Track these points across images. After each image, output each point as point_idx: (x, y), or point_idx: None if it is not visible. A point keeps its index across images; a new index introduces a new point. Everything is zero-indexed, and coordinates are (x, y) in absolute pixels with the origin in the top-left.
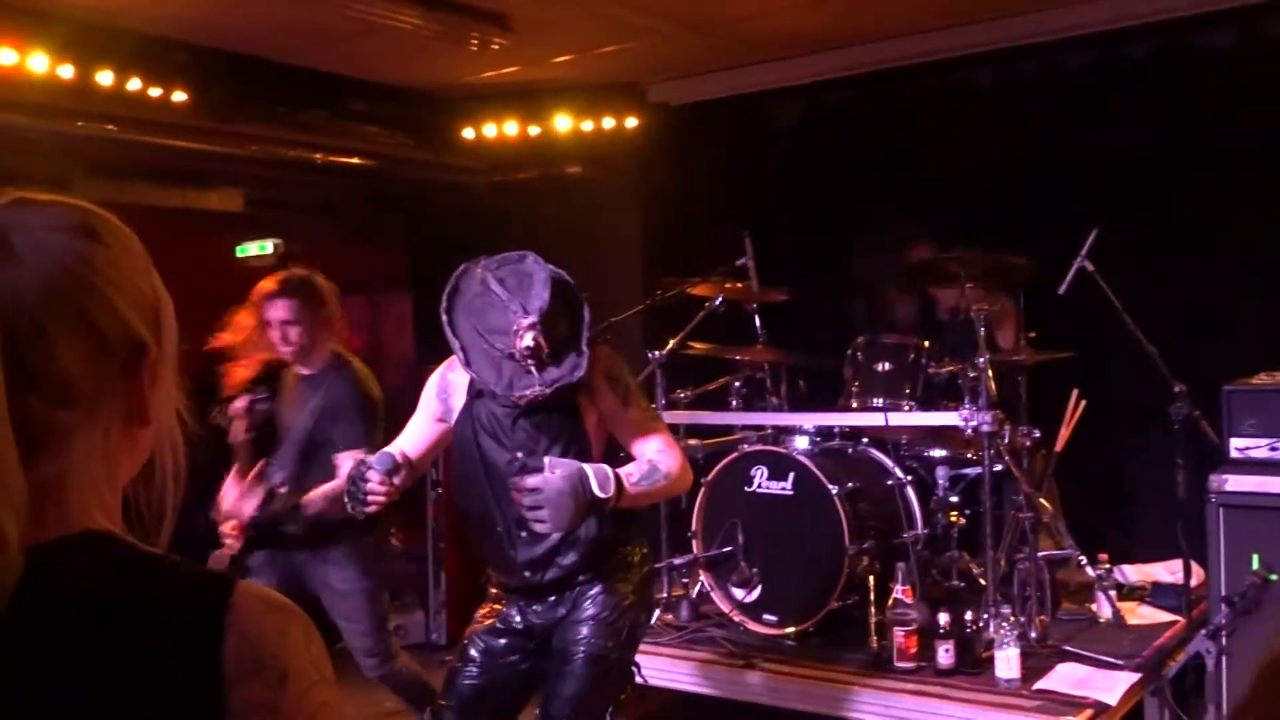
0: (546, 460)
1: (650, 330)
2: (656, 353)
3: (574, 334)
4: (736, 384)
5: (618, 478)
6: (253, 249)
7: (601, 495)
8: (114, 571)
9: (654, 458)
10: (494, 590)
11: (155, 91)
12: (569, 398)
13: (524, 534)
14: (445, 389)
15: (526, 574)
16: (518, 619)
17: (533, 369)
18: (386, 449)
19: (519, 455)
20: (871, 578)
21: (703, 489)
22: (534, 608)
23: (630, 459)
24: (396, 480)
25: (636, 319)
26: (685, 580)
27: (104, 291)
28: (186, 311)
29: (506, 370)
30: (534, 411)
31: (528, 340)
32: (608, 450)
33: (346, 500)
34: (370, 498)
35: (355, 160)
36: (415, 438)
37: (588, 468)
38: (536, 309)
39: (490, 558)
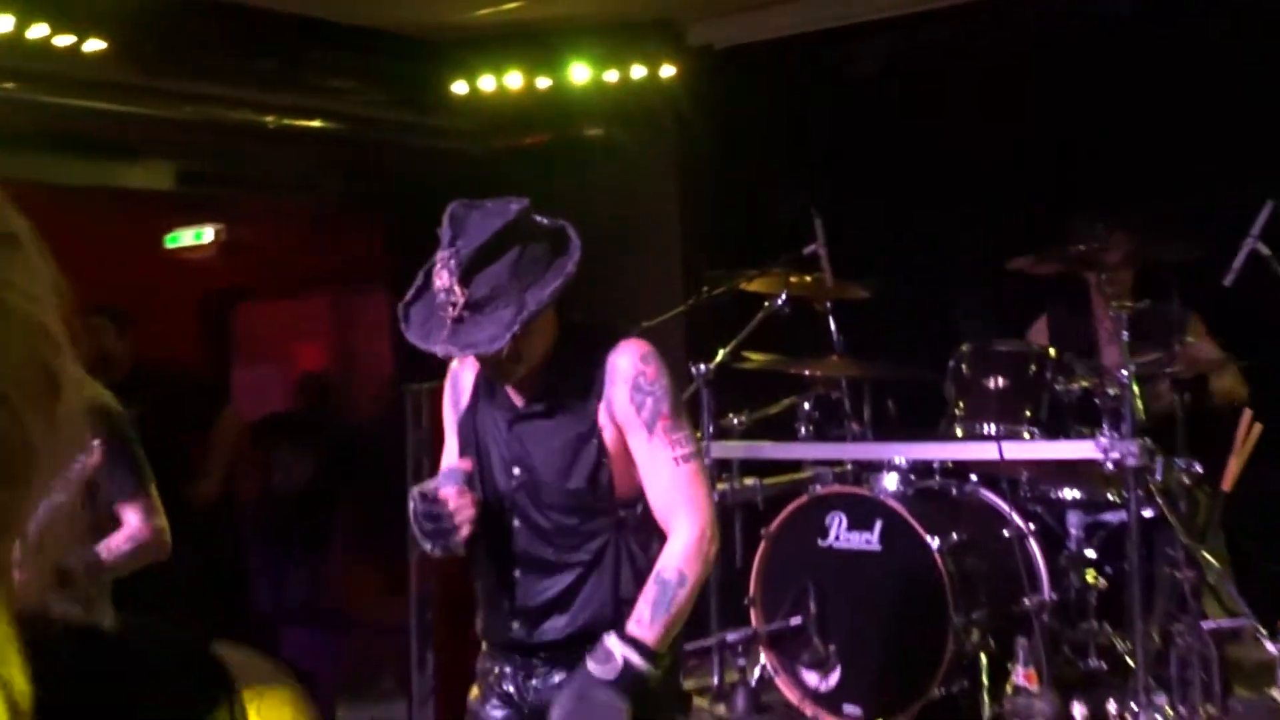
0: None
1: (694, 337)
2: (702, 366)
3: (521, 289)
4: (806, 406)
5: (628, 639)
6: (187, 237)
7: (616, 676)
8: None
9: (667, 562)
10: (485, 650)
11: (64, 40)
12: (578, 401)
13: (518, 572)
14: (455, 389)
15: (515, 626)
16: (511, 689)
17: (448, 321)
18: (446, 468)
19: (516, 472)
20: (984, 657)
21: (763, 543)
22: (531, 682)
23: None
24: (476, 493)
25: (676, 323)
26: (742, 662)
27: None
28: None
29: (434, 320)
30: (533, 416)
31: (440, 280)
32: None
33: (427, 542)
34: (460, 519)
35: (317, 123)
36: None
37: (588, 663)
38: (462, 244)
39: (484, 602)
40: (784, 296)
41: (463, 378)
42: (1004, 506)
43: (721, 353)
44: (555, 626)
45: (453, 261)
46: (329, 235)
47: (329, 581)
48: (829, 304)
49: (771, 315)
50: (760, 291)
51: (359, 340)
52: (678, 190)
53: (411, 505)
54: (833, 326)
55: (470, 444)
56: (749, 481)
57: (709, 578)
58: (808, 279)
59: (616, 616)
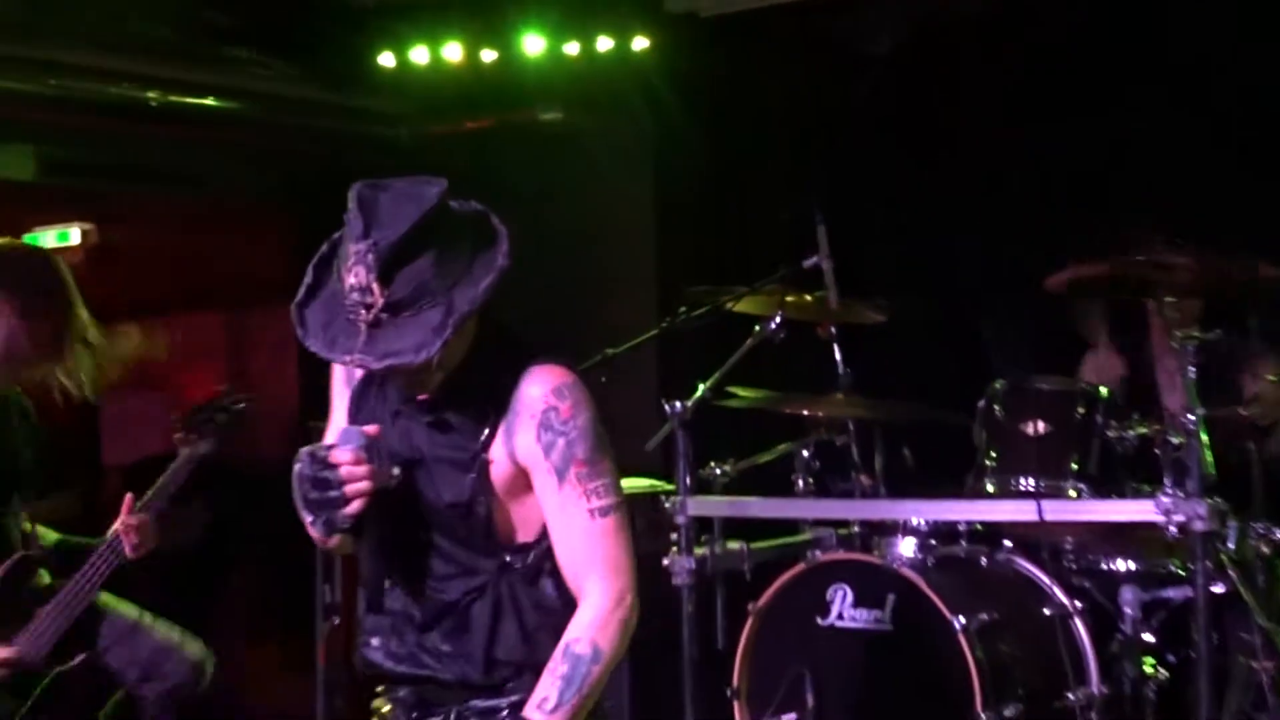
0: None
1: (669, 368)
2: (677, 404)
3: (448, 287)
4: (804, 454)
5: None
6: (49, 239)
7: None
8: None
9: (578, 633)
10: (377, 696)
11: None
12: (470, 422)
13: (388, 584)
14: (349, 372)
15: (378, 656)
16: None
17: (361, 326)
18: (344, 429)
19: (395, 470)
20: None
21: (750, 621)
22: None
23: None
24: (377, 464)
25: (647, 350)
26: None
27: None
28: None
29: (338, 321)
30: (416, 418)
31: (352, 277)
32: None
33: (308, 514)
34: (351, 489)
35: (211, 102)
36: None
37: None
38: (378, 234)
39: (363, 607)
40: (779, 319)
41: None
42: (1044, 579)
43: (702, 387)
44: (427, 662)
45: (370, 256)
46: (224, 239)
47: (219, 662)
48: (833, 329)
49: (763, 342)
50: (750, 313)
51: (259, 366)
52: (652, 188)
53: (297, 468)
54: (838, 356)
55: (361, 418)
56: (734, 546)
57: (624, 655)
58: (808, 298)
59: (486, 678)
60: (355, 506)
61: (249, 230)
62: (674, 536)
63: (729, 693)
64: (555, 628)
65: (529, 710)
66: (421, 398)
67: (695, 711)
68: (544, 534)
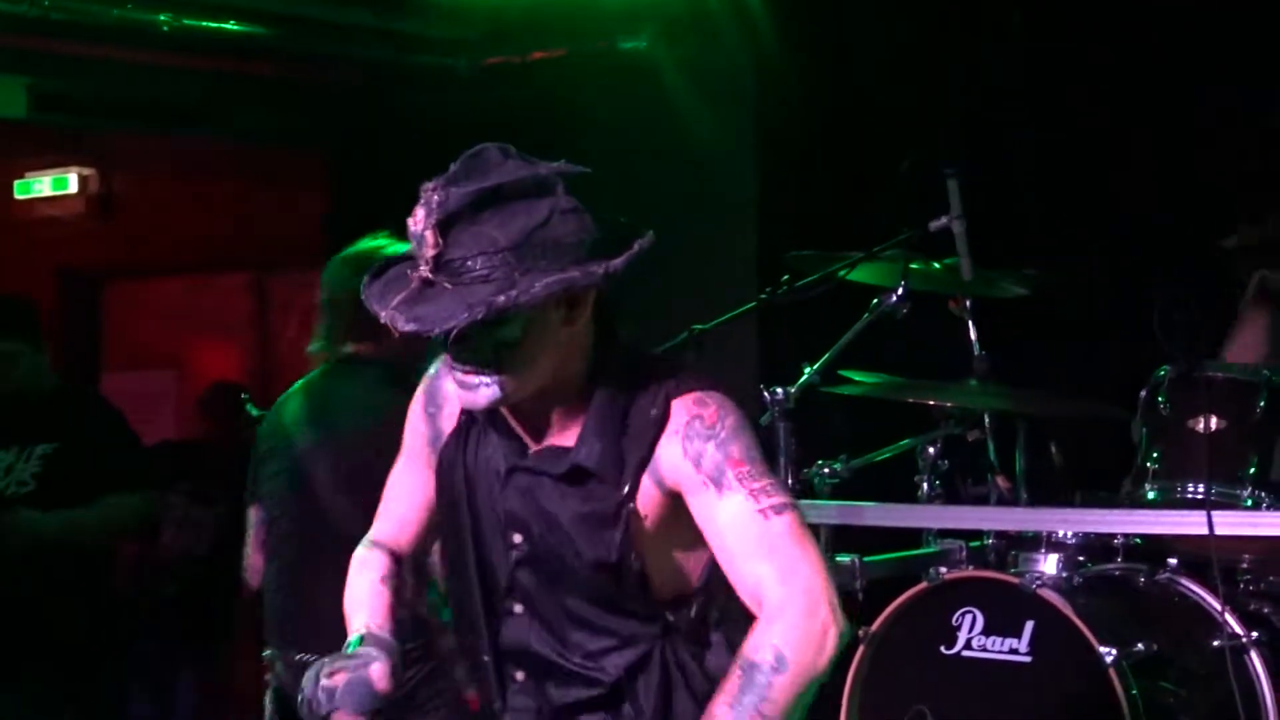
0: None
1: (770, 348)
2: (779, 391)
3: (520, 268)
4: (930, 452)
5: None
6: (43, 184)
7: None
8: None
9: (758, 640)
10: None
11: None
12: (613, 462)
13: (519, 675)
14: (435, 399)
15: None
16: None
17: (415, 281)
18: (364, 633)
19: (515, 539)
20: None
21: (862, 649)
22: None
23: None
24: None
25: (744, 327)
26: None
27: None
28: None
29: (400, 280)
30: (543, 472)
31: (413, 220)
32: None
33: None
34: None
35: (233, 26)
36: (405, 506)
37: None
38: (464, 184)
39: (481, 695)
40: (901, 291)
41: (448, 389)
42: (1214, 604)
43: (809, 371)
44: None
45: (436, 197)
46: (247, 189)
47: (233, 691)
48: (967, 304)
49: (882, 318)
50: (867, 283)
51: (289, 338)
52: (750, 134)
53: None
54: (973, 336)
55: (451, 488)
56: (844, 559)
57: (824, 679)
58: (936, 266)
59: None
60: None
61: (277, 180)
62: None
63: None
64: None
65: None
66: (543, 446)
67: None
68: (709, 580)
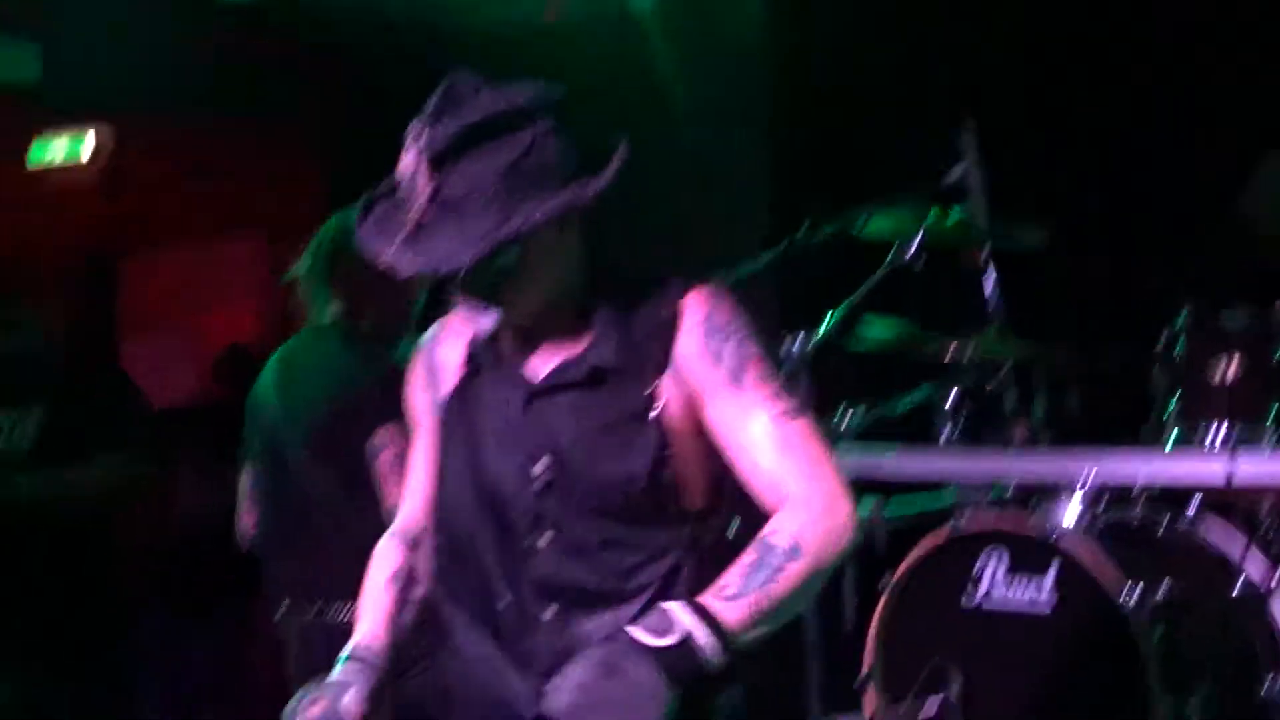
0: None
1: (789, 300)
2: (798, 342)
3: (514, 198)
4: (949, 399)
5: (699, 608)
6: (57, 149)
7: (666, 649)
8: None
9: (778, 526)
10: None
11: None
12: (630, 366)
13: (549, 613)
14: (431, 371)
15: (539, 692)
16: None
17: (409, 223)
18: (350, 652)
19: (537, 469)
20: None
21: (884, 598)
22: None
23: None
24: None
25: (762, 279)
26: None
27: None
28: None
29: (396, 221)
30: (561, 388)
31: (402, 162)
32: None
33: None
34: None
35: None
36: (425, 480)
37: (630, 631)
38: (449, 120)
39: (486, 664)
40: (918, 242)
41: (443, 356)
42: (1235, 550)
43: (827, 322)
44: None
45: (425, 137)
46: (259, 152)
47: (254, 656)
48: (984, 254)
49: (900, 270)
50: (884, 236)
51: (300, 304)
52: (765, 84)
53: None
54: (989, 287)
55: (456, 438)
56: (864, 509)
57: (833, 571)
58: (953, 217)
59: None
60: None
61: (289, 146)
62: None
63: (859, 681)
64: None
65: (705, 595)
66: (554, 365)
67: (820, 703)
68: (733, 487)
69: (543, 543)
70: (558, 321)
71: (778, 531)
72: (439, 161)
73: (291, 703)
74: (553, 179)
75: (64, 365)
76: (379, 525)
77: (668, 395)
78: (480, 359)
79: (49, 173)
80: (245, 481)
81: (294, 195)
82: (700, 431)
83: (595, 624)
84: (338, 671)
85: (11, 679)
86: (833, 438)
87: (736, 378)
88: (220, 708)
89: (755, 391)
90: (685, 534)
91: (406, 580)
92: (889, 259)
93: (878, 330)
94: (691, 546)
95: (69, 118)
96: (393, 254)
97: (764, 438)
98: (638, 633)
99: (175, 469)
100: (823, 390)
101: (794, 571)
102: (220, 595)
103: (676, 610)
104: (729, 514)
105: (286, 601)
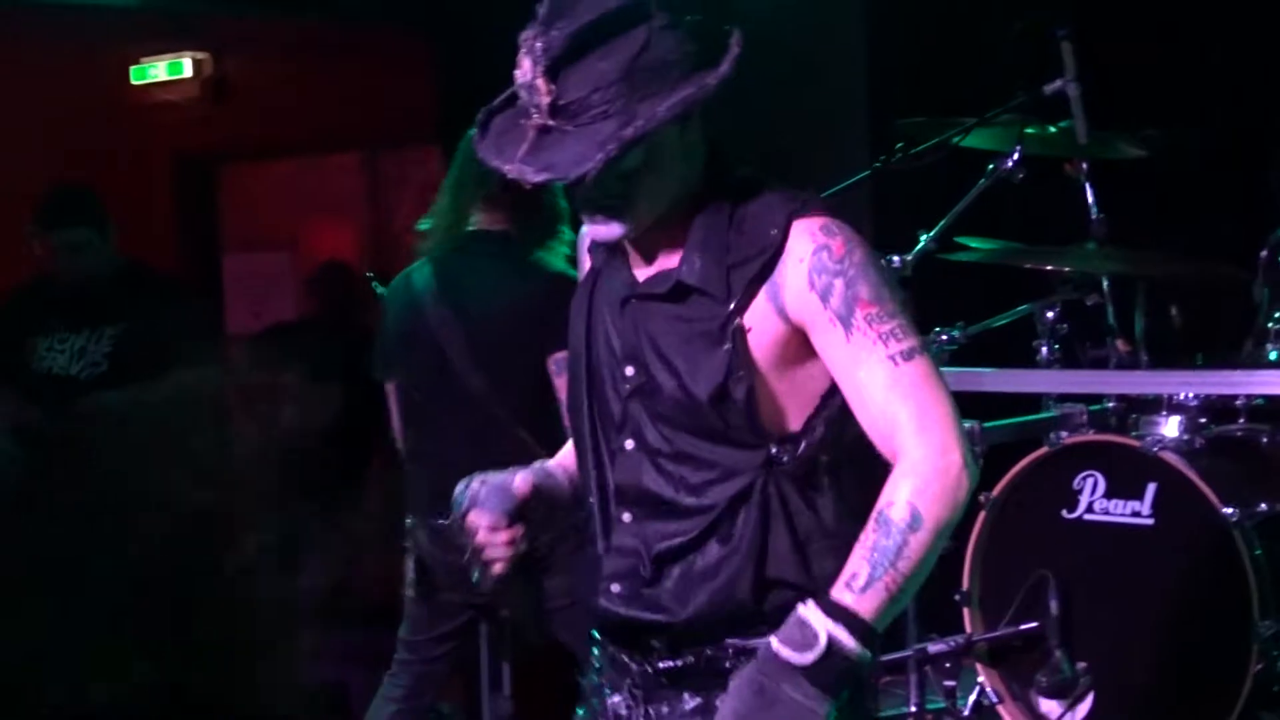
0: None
1: (884, 217)
2: (895, 258)
3: (634, 97)
4: (1049, 316)
5: (835, 608)
6: (159, 69)
7: (816, 662)
8: None
9: (894, 495)
10: (590, 657)
11: None
12: (720, 282)
13: (627, 516)
14: (580, 267)
15: (616, 590)
16: (624, 715)
17: (530, 131)
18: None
19: (629, 371)
20: None
21: (983, 515)
22: (651, 708)
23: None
24: (520, 525)
25: (857, 195)
26: (951, 684)
27: None
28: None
29: (515, 131)
30: (652, 296)
31: (519, 71)
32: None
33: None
34: (489, 558)
35: None
36: None
37: (772, 643)
38: (562, 24)
39: (580, 554)
40: (1016, 155)
41: (585, 243)
42: None
43: (924, 238)
44: (669, 599)
45: (539, 44)
46: (359, 69)
47: (360, 563)
48: (1084, 167)
49: (998, 183)
50: (982, 149)
51: (403, 218)
52: (861, 1)
53: (417, 546)
54: (1090, 200)
55: (578, 334)
56: (965, 424)
57: (957, 524)
58: (1052, 130)
59: (758, 603)
60: (493, 574)
61: (389, 58)
62: None
63: (958, 598)
64: (837, 546)
65: (836, 589)
66: (652, 272)
67: (918, 618)
68: (819, 421)
69: (628, 445)
70: (668, 223)
71: (894, 503)
72: (555, 68)
73: (463, 482)
74: (672, 73)
75: (134, 287)
76: (560, 444)
77: (760, 320)
78: (599, 257)
79: (150, 89)
80: (390, 392)
81: (398, 109)
82: (799, 359)
83: (668, 530)
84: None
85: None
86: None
87: (844, 319)
88: (328, 624)
89: (864, 334)
90: (761, 457)
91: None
92: (988, 173)
93: (977, 245)
94: (768, 469)
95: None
96: (517, 165)
97: (873, 383)
98: (784, 651)
99: (270, 384)
100: (922, 308)
101: (918, 544)
102: (321, 512)
103: (814, 617)
104: (820, 443)
105: (433, 508)
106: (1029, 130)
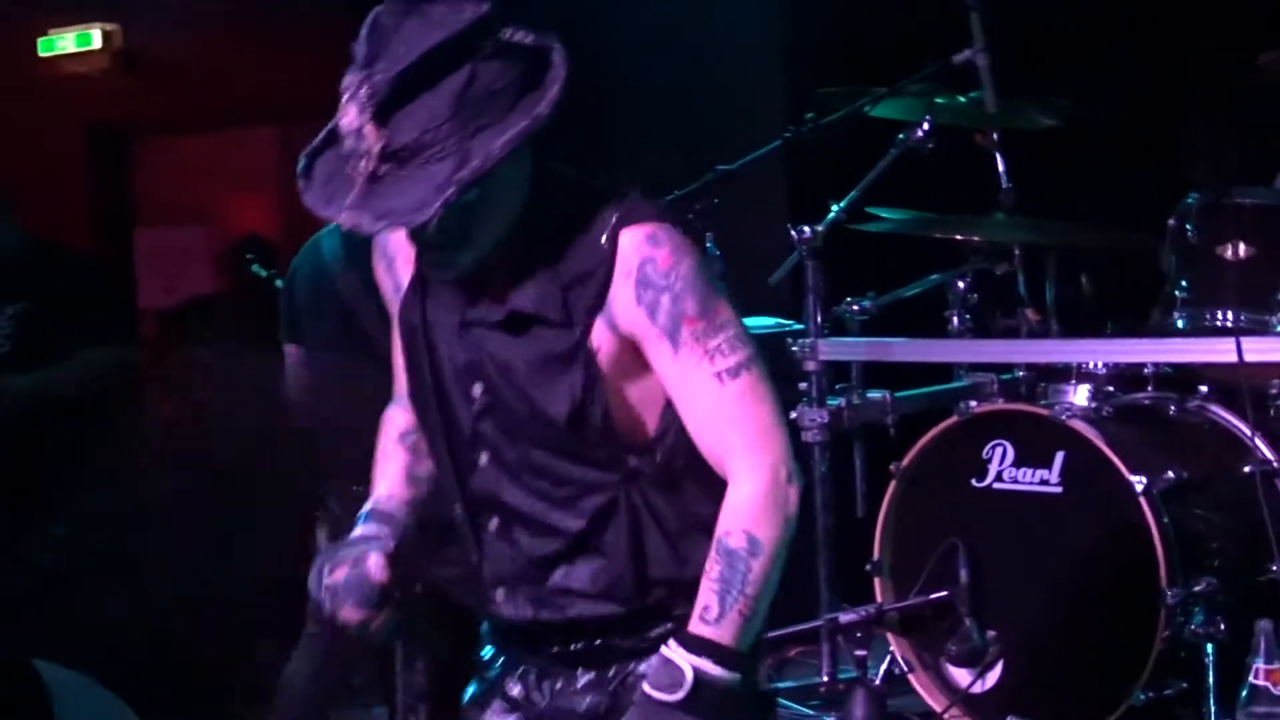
0: None
1: (797, 186)
2: (806, 229)
3: (466, 134)
4: (959, 286)
5: (696, 642)
6: (67, 41)
7: (686, 697)
8: None
9: (729, 524)
10: (486, 632)
11: None
12: (558, 303)
13: (495, 523)
14: (385, 252)
15: (499, 596)
16: (518, 691)
17: (358, 178)
18: (371, 509)
19: (475, 391)
20: (1210, 647)
21: (894, 484)
22: (544, 684)
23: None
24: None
25: (770, 165)
26: (862, 653)
27: None
28: None
29: (341, 177)
30: (490, 324)
31: (345, 118)
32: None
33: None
34: (371, 637)
35: None
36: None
37: (645, 689)
38: (383, 65)
39: (452, 566)
40: (926, 125)
41: (396, 245)
42: (1244, 430)
43: (836, 208)
44: (552, 608)
45: (364, 90)
46: (275, 40)
47: (283, 547)
48: (994, 137)
49: (908, 153)
50: (893, 119)
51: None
52: None
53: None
54: (1000, 170)
55: (414, 340)
56: (875, 395)
57: (792, 538)
58: (961, 100)
59: (643, 600)
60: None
61: (302, 30)
62: (804, 385)
63: (869, 567)
64: (706, 531)
65: (694, 625)
66: (484, 297)
67: (830, 588)
68: (670, 425)
69: (482, 461)
70: (497, 245)
71: (731, 533)
72: (383, 113)
73: (314, 570)
74: (501, 102)
75: (38, 265)
76: None
77: (601, 337)
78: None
79: (60, 60)
80: (293, 356)
81: (315, 81)
82: (643, 367)
83: (537, 545)
84: (356, 532)
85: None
86: (843, 326)
87: (671, 335)
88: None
89: (691, 350)
90: (619, 474)
91: (417, 437)
92: (898, 142)
93: (888, 216)
94: (628, 482)
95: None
96: (351, 214)
97: (700, 402)
98: (656, 693)
99: (185, 358)
100: (833, 278)
101: (760, 568)
102: (234, 482)
103: (677, 656)
104: (674, 448)
105: (348, 484)
106: (939, 100)
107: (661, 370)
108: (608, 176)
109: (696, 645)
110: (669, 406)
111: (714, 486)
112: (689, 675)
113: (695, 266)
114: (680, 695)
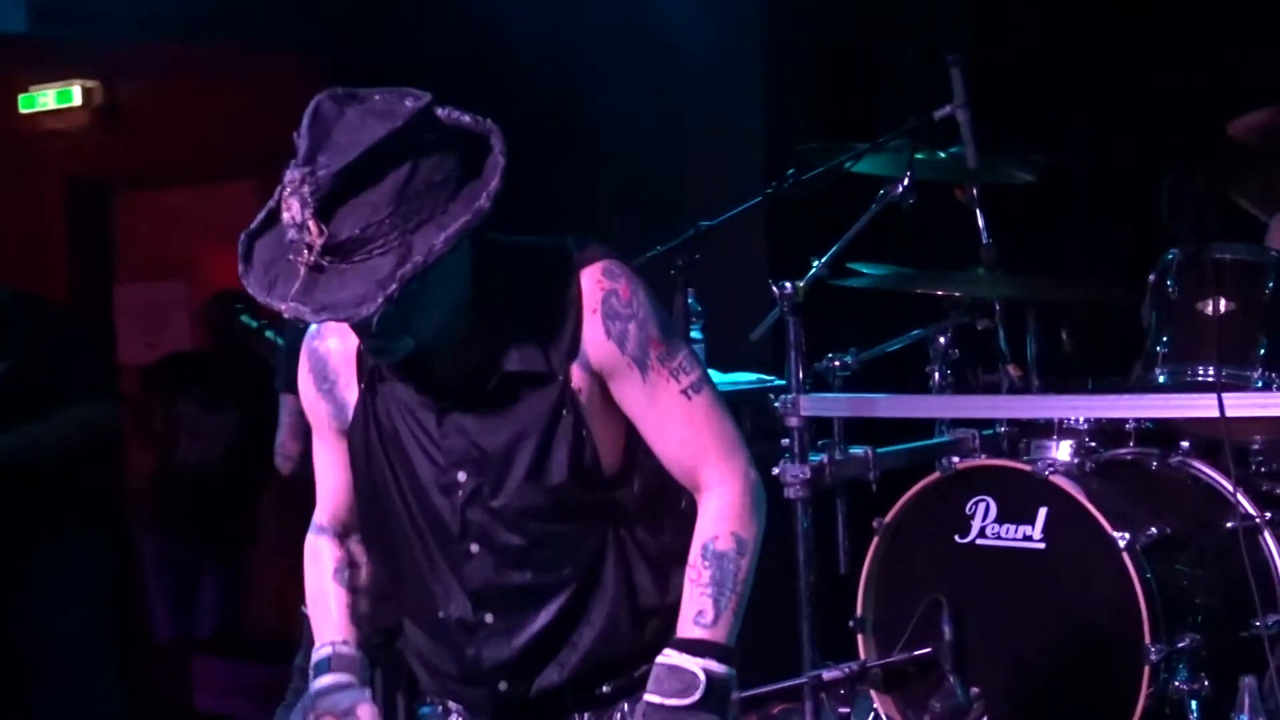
0: None
1: (778, 242)
2: (788, 284)
3: (408, 229)
4: (940, 342)
5: (700, 645)
6: (48, 97)
7: (701, 698)
8: None
9: (715, 529)
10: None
11: None
12: (539, 360)
13: (489, 618)
14: (324, 374)
15: (503, 685)
16: None
17: (301, 269)
18: (331, 654)
19: (461, 476)
20: (1195, 705)
21: (876, 540)
22: None
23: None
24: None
25: (751, 221)
26: (845, 710)
27: None
28: None
29: (283, 263)
30: (476, 399)
31: (287, 212)
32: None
33: None
34: None
35: None
36: (332, 479)
37: (654, 699)
38: (324, 159)
39: (428, 655)
40: (907, 181)
41: (327, 349)
42: (1226, 486)
43: (817, 264)
44: (556, 670)
45: (305, 187)
46: (252, 94)
47: (255, 596)
48: (974, 192)
49: (889, 208)
50: (874, 174)
51: None
52: (756, 22)
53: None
54: (980, 225)
55: (375, 449)
56: (857, 450)
57: (761, 536)
58: (941, 155)
59: (638, 636)
60: None
61: (282, 85)
62: (785, 441)
63: (852, 623)
64: (680, 557)
65: (691, 630)
66: (459, 373)
67: (813, 645)
68: (641, 451)
69: (474, 549)
70: (453, 327)
71: (718, 536)
72: (325, 209)
73: (296, 715)
74: (442, 194)
75: (18, 321)
76: None
77: (579, 380)
78: (380, 370)
79: (40, 117)
80: (288, 407)
81: (292, 135)
82: (610, 401)
83: (531, 620)
84: (326, 680)
85: None
86: (824, 382)
87: (640, 361)
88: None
89: (658, 372)
90: (609, 511)
91: (350, 570)
92: (879, 198)
93: (869, 271)
94: (615, 520)
95: (61, 58)
96: (292, 305)
97: (671, 419)
98: (670, 700)
99: (166, 415)
100: (815, 334)
101: (747, 565)
102: (219, 535)
103: (683, 661)
104: (648, 473)
105: None
106: (919, 155)
107: (627, 396)
108: (563, 229)
109: (699, 648)
110: (633, 433)
111: (677, 511)
112: (701, 677)
113: (647, 292)
114: (696, 697)
